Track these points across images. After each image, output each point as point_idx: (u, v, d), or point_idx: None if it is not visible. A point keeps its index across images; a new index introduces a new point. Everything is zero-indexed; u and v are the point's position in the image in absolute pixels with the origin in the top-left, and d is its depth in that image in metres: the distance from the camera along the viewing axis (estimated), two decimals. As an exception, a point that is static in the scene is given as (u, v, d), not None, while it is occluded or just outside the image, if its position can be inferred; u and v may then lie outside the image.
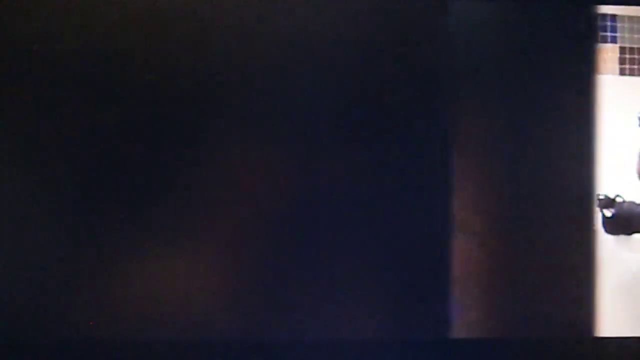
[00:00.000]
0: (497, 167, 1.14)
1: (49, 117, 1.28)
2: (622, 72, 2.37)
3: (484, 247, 1.14)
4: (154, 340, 1.25)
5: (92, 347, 1.25)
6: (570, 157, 1.16)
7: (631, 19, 2.32)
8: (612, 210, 2.33)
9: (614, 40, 2.35)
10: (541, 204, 1.14)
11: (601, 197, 2.45)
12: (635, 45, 2.33)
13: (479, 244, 1.16)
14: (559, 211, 1.14)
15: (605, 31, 2.35)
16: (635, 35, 2.33)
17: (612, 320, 2.42)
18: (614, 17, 2.33)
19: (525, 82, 1.13)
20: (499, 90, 1.12)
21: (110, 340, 1.25)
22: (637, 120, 1.75)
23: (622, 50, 2.38)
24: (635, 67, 2.30)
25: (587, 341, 1.09)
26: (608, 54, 2.34)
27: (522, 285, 1.14)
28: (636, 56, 2.30)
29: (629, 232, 2.22)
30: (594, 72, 1.17)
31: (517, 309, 1.14)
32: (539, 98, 1.14)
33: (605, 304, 2.50)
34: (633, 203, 2.29)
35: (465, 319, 1.13)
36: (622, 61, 2.37)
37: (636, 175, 1.81)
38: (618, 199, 2.37)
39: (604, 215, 2.39)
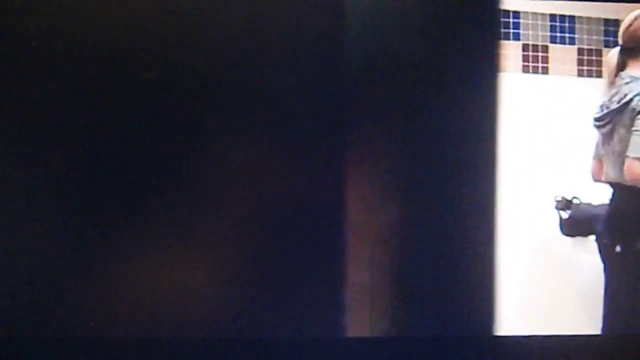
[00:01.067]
0: (396, 167, 1.12)
1: (38, 117, 1.25)
2: (580, 74, 2.38)
3: (383, 247, 1.12)
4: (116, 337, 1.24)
5: (83, 344, 1.24)
6: (470, 156, 1.14)
7: (589, 20, 2.33)
8: (569, 212, 2.33)
9: (572, 41, 2.35)
10: (442, 203, 1.12)
11: (559, 199, 2.45)
12: (593, 47, 2.34)
13: (377, 244, 1.14)
14: (459, 211, 1.12)
15: (564, 32, 2.35)
16: (593, 37, 2.33)
17: (574, 319, 2.42)
18: (572, 18, 2.33)
19: (425, 80, 1.11)
20: (398, 88, 1.11)
21: (95, 337, 1.24)
22: (593, 122, 1.74)
23: (580, 51, 2.39)
24: (593, 68, 2.31)
25: (486, 339, 1.08)
26: (566, 56, 2.34)
27: (420, 285, 1.13)
28: (594, 58, 2.31)
29: (585, 233, 2.22)
30: (496, 69, 1.14)
31: (416, 307, 1.12)
32: (439, 96, 1.12)
33: (563, 304, 2.51)
34: (590, 205, 2.29)
35: (361, 318, 1.12)
36: (580, 62, 2.38)
37: (591, 178, 1.81)
38: (575, 201, 2.37)
39: (561, 217, 2.39)
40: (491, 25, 1.11)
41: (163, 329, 1.26)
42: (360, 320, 1.13)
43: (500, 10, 1.10)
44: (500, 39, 1.13)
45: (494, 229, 1.10)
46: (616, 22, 1.74)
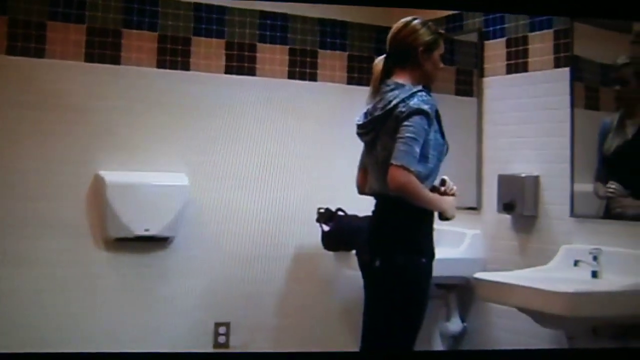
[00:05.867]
0: None
1: None
2: (349, 82, 2.33)
3: None
4: None
5: None
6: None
7: (361, 26, 2.28)
8: (331, 224, 2.24)
9: (343, 48, 2.30)
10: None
11: (322, 210, 2.36)
12: (364, 54, 2.30)
13: None
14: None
15: (335, 38, 2.29)
16: (365, 44, 2.29)
17: (335, 335, 2.34)
18: (344, 24, 2.28)
19: None
20: None
21: None
22: (356, 130, 1.65)
23: (351, 58, 2.34)
24: (364, 76, 2.26)
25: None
26: (337, 63, 2.28)
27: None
28: (365, 65, 2.26)
29: (347, 247, 2.11)
30: None
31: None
32: None
33: (324, 321, 2.43)
34: (355, 217, 2.21)
35: None
36: (350, 69, 2.33)
37: (357, 190, 1.72)
38: (340, 213, 2.29)
39: (322, 230, 2.30)
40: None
41: None
42: None
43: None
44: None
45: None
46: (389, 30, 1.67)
